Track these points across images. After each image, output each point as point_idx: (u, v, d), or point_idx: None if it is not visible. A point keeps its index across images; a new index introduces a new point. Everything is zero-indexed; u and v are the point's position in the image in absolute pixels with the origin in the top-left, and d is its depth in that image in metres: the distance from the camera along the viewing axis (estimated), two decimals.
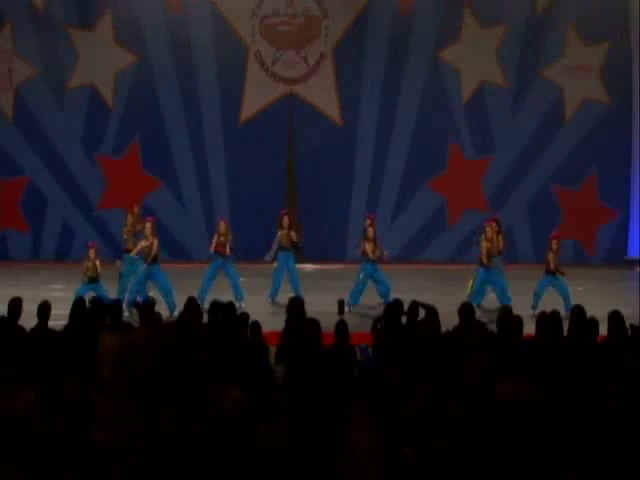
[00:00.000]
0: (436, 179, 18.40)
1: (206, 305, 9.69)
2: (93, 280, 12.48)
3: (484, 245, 12.99)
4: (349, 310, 12.97)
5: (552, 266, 12.90)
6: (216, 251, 13.38)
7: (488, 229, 13.15)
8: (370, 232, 13.20)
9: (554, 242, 13.02)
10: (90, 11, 18.18)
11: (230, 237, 13.38)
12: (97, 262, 12.57)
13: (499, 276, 13.20)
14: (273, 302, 13.46)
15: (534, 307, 12.40)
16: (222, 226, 13.48)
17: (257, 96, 18.27)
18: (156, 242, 12.80)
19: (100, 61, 18.11)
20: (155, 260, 12.80)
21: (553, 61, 18.14)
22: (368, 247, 13.14)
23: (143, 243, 12.78)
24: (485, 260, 12.91)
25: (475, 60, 18.05)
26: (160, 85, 18.24)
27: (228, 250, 13.28)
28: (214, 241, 13.45)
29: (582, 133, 18.13)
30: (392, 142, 18.28)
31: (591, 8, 17.85)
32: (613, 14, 17.98)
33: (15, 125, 18.44)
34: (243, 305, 12.54)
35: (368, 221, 13.41)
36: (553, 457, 5.27)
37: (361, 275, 13.26)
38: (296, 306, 8.51)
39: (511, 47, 18.08)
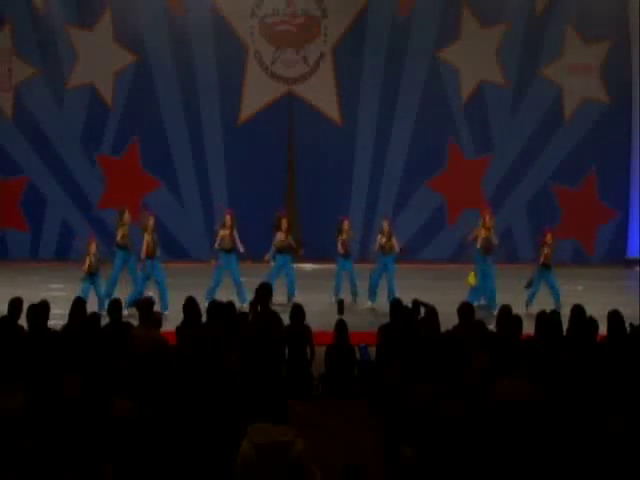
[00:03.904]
0: (436, 178, 18.41)
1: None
2: (92, 275, 12.53)
3: (482, 233, 13.08)
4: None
5: (542, 259, 12.99)
6: (222, 248, 13.31)
7: (487, 218, 13.22)
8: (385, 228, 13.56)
9: (548, 236, 13.09)
10: (90, 11, 18.17)
11: (235, 231, 13.34)
12: (97, 256, 12.65)
13: (490, 272, 13.24)
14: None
15: (527, 304, 12.60)
16: (227, 219, 13.45)
17: (257, 96, 18.27)
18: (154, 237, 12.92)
19: (100, 61, 18.10)
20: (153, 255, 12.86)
21: (553, 60, 18.14)
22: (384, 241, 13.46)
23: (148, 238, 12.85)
24: (479, 246, 13.04)
25: (475, 60, 18.05)
26: (160, 85, 18.23)
27: (235, 244, 13.25)
28: (219, 236, 13.43)
29: (582, 132, 18.14)
30: (392, 142, 18.28)
31: (591, 7, 17.89)
32: (613, 13, 18.00)
33: (15, 125, 18.43)
34: (245, 306, 12.51)
35: (385, 222, 13.73)
36: (553, 457, 5.27)
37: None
38: (265, 293, 8.52)
39: (511, 47, 18.08)
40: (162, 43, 18.13)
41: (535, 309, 10.23)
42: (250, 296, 12.89)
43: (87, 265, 12.53)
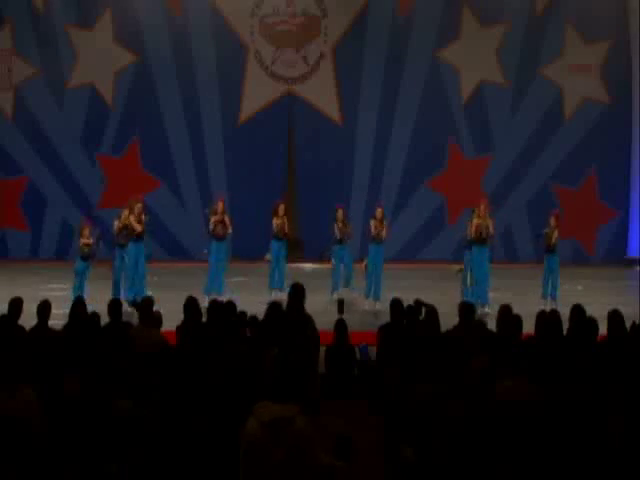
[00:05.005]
0: (436, 178, 18.42)
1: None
2: (85, 259, 12.53)
3: (474, 222, 12.87)
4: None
5: (550, 241, 12.94)
6: (214, 234, 13.25)
7: (482, 207, 13.05)
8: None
9: (552, 219, 13.06)
10: (90, 11, 18.20)
11: (226, 217, 13.25)
12: (90, 240, 12.61)
13: (483, 265, 13.04)
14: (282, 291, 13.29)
15: (545, 297, 12.67)
16: (220, 206, 13.38)
17: (257, 96, 18.29)
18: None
19: (100, 61, 18.12)
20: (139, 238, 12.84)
21: (553, 60, 18.17)
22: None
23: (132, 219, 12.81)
24: (473, 235, 12.81)
25: (475, 59, 18.07)
26: (160, 85, 18.25)
27: (226, 231, 13.17)
28: (211, 221, 13.36)
29: (582, 132, 18.15)
30: (392, 141, 18.29)
31: (591, 7, 17.93)
32: (613, 13, 18.03)
33: (15, 125, 18.46)
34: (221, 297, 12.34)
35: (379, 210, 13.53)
36: (553, 457, 5.27)
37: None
38: (299, 294, 8.49)
39: (511, 46, 18.10)
40: (162, 43, 18.14)
41: (536, 308, 10.21)
42: (230, 291, 13.00)
43: (80, 247, 12.55)
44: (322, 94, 18.35)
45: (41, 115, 18.35)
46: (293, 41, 18.37)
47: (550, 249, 13.04)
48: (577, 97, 18.24)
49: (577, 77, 18.17)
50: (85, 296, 12.11)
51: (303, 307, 8.30)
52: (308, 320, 8.18)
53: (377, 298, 13.05)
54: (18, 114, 18.45)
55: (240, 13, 18.28)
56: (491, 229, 12.90)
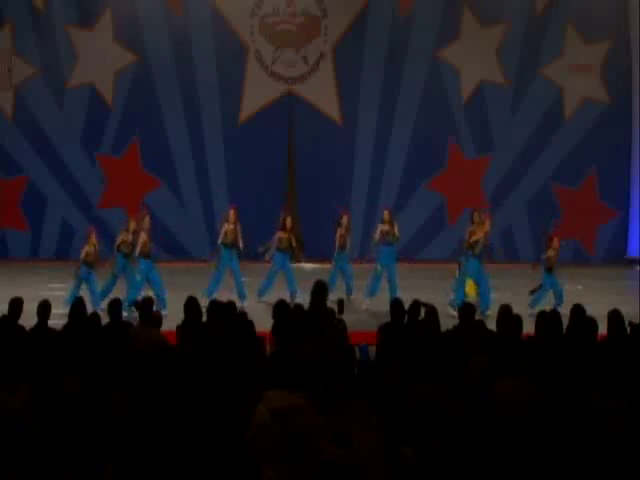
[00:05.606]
0: (436, 178, 18.42)
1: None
2: (91, 266, 12.48)
3: (478, 232, 12.76)
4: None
5: (548, 263, 12.79)
6: (224, 243, 13.22)
7: (487, 222, 12.91)
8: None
9: (556, 240, 12.90)
10: (90, 10, 18.20)
11: (239, 227, 13.26)
12: (97, 247, 12.57)
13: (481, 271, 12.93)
14: (260, 299, 13.28)
15: (532, 305, 12.36)
16: (231, 214, 13.33)
17: (257, 96, 18.29)
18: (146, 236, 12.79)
19: (100, 61, 18.12)
20: (150, 255, 12.80)
21: (553, 60, 18.17)
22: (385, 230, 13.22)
23: (144, 237, 12.71)
24: (470, 245, 12.70)
25: (475, 59, 18.07)
26: (160, 85, 18.25)
27: (237, 239, 13.16)
28: (222, 231, 13.32)
29: (582, 132, 18.15)
30: (392, 142, 18.29)
31: (591, 7, 17.94)
32: (613, 13, 18.04)
33: (15, 125, 18.45)
34: (245, 304, 12.49)
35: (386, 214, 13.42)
36: (553, 457, 5.26)
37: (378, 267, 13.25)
38: (321, 290, 8.53)
39: (511, 46, 18.10)
40: (162, 43, 18.14)
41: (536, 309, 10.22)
42: (249, 294, 13.07)
43: (85, 253, 12.46)
44: (322, 94, 18.35)
45: (41, 115, 18.35)
46: (293, 41, 18.37)
47: (552, 269, 12.81)
48: (577, 97, 18.24)
49: (577, 77, 18.17)
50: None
51: (325, 303, 8.36)
52: (332, 315, 8.24)
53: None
54: (18, 114, 18.44)
55: (240, 13, 18.27)
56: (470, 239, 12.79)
